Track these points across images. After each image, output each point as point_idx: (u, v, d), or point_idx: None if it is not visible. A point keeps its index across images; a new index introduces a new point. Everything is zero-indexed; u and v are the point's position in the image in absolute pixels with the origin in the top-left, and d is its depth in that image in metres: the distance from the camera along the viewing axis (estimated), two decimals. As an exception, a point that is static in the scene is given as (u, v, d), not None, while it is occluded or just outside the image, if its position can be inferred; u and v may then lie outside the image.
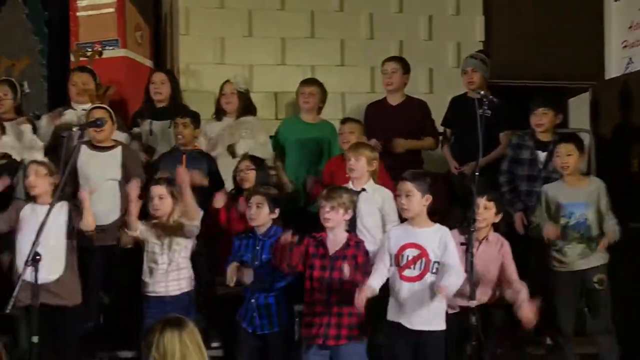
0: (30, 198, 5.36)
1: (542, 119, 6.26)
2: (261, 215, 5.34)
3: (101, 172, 5.98)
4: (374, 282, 4.79)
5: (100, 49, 7.35)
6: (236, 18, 7.68)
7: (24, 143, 6.41)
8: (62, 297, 5.19)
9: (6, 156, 6.11)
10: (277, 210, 5.39)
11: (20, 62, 7.31)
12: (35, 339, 4.37)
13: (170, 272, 5.29)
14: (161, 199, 5.27)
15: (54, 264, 5.11)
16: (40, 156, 5.88)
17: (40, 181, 5.26)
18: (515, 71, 7.90)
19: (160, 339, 3.11)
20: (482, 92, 5.45)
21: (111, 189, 5.99)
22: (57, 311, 5.13)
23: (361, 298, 4.69)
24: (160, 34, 8.25)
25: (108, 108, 6.13)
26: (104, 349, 5.91)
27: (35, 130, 6.67)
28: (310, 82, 6.98)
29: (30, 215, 5.22)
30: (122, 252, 5.86)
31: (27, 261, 4.31)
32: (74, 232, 5.30)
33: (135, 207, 5.25)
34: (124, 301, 6.05)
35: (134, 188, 5.24)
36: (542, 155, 6.26)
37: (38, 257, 4.30)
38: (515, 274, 5.21)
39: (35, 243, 4.29)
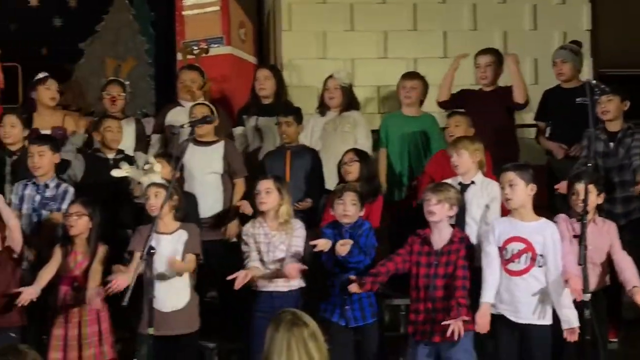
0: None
1: (607, 106, 6.08)
2: (354, 212, 5.34)
3: (204, 166, 6.09)
4: (490, 297, 4.81)
5: (205, 46, 7.48)
6: (338, 12, 7.71)
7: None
8: (186, 325, 5.20)
9: (121, 152, 6.28)
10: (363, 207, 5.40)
11: (127, 63, 7.47)
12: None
13: (278, 270, 5.30)
14: (268, 192, 5.32)
15: (178, 293, 5.17)
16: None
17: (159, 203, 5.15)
18: (623, 60, 7.67)
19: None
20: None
21: (214, 182, 6.10)
22: (179, 339, 5.17)
23: (483, 323, 4.73)
24: (263, 31, 8.35)
25: (209, 104, 6.23)
26: (213, 341, 6.01)
27: (143, 130, 6.86)
28: (412, 75, 6.93)
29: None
30: (229, 244, 5.96)
31: (142, 255, 4.42)
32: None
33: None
34: (232, 295, 6.16)
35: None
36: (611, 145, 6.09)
37: (153, 251, 4.41)
38: (625, 254, 5.08)
39: (149, 236, 4.40)
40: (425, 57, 7.67)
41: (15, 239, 5.12)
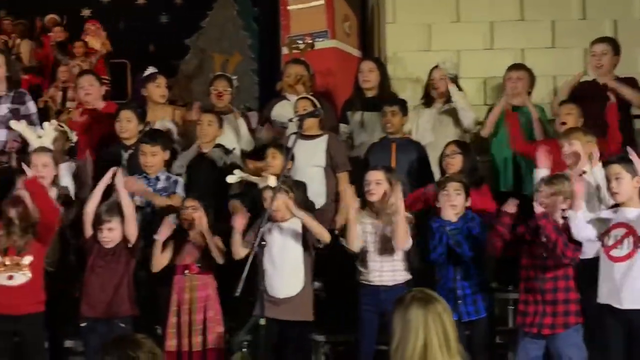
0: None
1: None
2: (460, 202, 5.30)
3: (307, 159, 6.12)
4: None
5: (311, 41, 7.52)
6: (443, 4, 7.61)
7: (242, 137, 6.71)
8: (299, 313, 5.25)
9: (220, 146, 6.37)
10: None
11: (233, 58, 7.58)
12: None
13: (385, 263, 5.32)
14: (378, 184, 5.32)
15: (292, 280, 5.24)
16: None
17: (281, 205, 5.24)
18: None
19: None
20: None
21: (317, 176, 6.13)
22: (292, 326, 5.24)
23: None
24: (367, 24, 8.33)
25: (313, 98, 6.25)
26: (322, 333, 6.05)
27: (248, 124, 6.95)
28: (517, 66, 6.83)
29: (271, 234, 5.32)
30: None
31: (254, 245, 4.49)
32: (311, 248, 5.39)
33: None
34: (338, 287, 6.20)
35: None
36: None
37: (264, 243, 4.48)
38: None
39: (261, 227, 4.46)
40: (532, 47, 7.50)
41: (130, 228, 5.27)
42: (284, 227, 5.28)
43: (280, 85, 7.08)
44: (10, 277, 5.07)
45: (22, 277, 5.08)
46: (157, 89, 6.89)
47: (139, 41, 11.88)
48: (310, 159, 6.12)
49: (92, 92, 6.83)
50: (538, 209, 4.88)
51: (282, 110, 6.78)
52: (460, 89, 6.74)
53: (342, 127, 6.84)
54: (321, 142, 6.18)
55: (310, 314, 5.34)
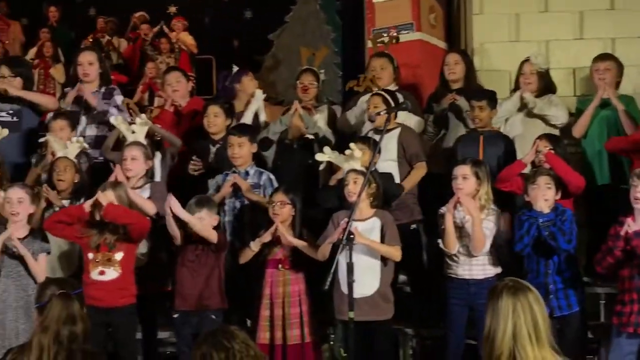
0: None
1: None
2: (551, 196, 5.20)
3: (381, 153, 6.03)
4: None
5: (395, 33, 7.48)
6: (531, -7, 7.50)
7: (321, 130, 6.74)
8: (376, 312, 5.21)
9: (303, 137, 6.42)
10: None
11: (320, 52, 7.59)
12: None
13: (474, 257, 5.26)
14: (465, 178, 5.26)
15: (369, 279, 5.18)
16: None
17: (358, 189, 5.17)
18: None
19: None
20: None
21: (391, 169, 6.06)
22: (373, 325, 5.19)
23: None
24: (453, 15, 8.24)
25: (384, 94, 6.19)
26: (410, 327, 6.03)
27: (334, 116, 6.97)
28: (604, 57, 6.66)
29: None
30: (412, 230, 5.97)
31: (341, 240, 4.49)
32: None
33: None
34: (423, 280, 6.17)
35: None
36: None
37: (352, 237, 4.47)
38: None
39: (349, 223, 4.46)
40: (623, 37, 7.32)
41: (208, 236, 5.27)
42: (363, 226, 5.23)
43: (353, 84, 7.07)
44: (102, 273, 5.19)
45: (113, 273, 5.20)
46: (252, 82, 6.99)
47: (223, 37, 12.03)
48: (384, 154, 6.04)
49: (179, 89, 6.96)
50: (632, 226, 4.75)
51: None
52: (552, 86, 6.59)
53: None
54: (393, 135, 6.11)
55: (389, 311, 5.30)
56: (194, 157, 6.20)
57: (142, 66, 11.04)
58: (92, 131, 6.60)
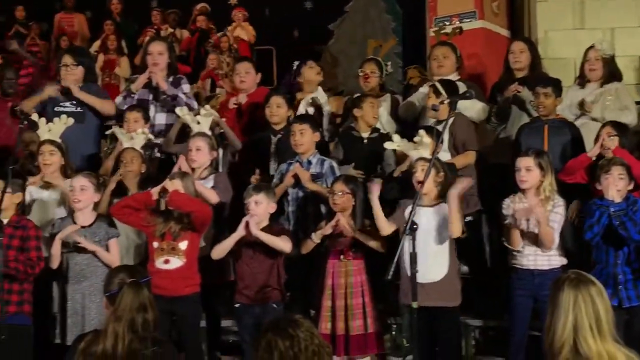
0: None
1: None
2: (623, 187, 5.11)
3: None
4: None
5: (458, 22, 7.43)
6: (596, -20, 7.38)
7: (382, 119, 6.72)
8: (443, 298, 5.16)
9: (376, 130, 6.41)
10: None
11: (387, 43, 7.58)
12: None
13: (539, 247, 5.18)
14: (528, 170, 5.19)
15: (436, 265, 5.16)
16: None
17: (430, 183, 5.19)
18: None
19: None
20: None
21: (443, 159, 6.01)
22: (439, 311, 5.16)
23: None
24: (516, 3, 8.14)
25: (437, 84, 6.14)
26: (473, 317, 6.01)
27: (397, 105, 6.94)
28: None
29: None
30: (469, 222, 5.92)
31: (404, 230, 4.47)
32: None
33: None
34: (486, 271, 6.12)
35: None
36: None
37: (415, 226, 4.45)
38: None
39: (412, 211, 4.44)
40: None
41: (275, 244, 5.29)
42: (431, 211, 5.23)
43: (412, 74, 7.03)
44: (167, 261, 5.24)
45: (177, 262, 5.25)
46: (311, 69, 7.01)
47: (283, 27, 12.05)
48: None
49: (247, 80, 6.99)
50: None
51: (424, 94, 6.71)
52: (617, 73, 6.47)
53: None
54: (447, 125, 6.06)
55: (457, 298, 5.26)
56: (257, 171, 6.19)
57: (201, 57, 11.14)
58: (161, 119, 6.67)
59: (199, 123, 6.01)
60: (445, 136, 5.97)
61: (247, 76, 6.99)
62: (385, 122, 6.73)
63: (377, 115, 6.41)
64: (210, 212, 5.39)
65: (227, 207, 5.97)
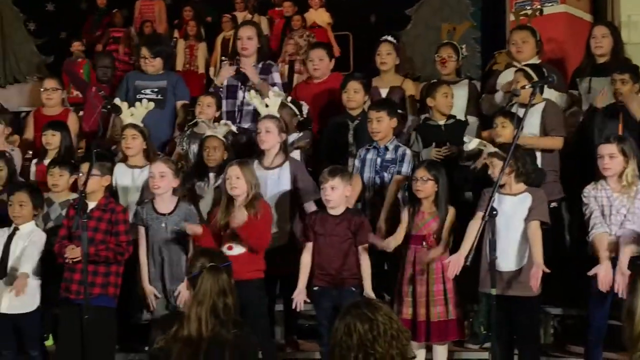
0: None
1: None
2: None
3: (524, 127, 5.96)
4: None
5: (539, 6, 7.30)
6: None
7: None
8: (523, 287, 5.08)
9: (452, 117, 6.37)
10: None
11: (461, 26, 7.49)
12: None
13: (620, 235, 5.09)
14: (611, 157, 5.08)
15: (517, 253, 5.13)
16: None
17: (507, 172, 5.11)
18: None
19: None
20: None
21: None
22: (518, 300, 5.11)
23: None
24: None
25: (526, 69, 6.03)
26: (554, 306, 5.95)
27: (475, 92, 6.88)
28: None
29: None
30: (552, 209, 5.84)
31: (483, 216, 4.45)
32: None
33: None
34: (566, 259, 6.04)
35: None
36: None
37: (495, 212, 4.42)
38: None
39: (491, 199, 4.42)
40: None
41: None
42: (514, 200, 5.18)
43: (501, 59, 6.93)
44: (230, 248, 5.28)
45: (240, 248, 5.29)
46: (377, 57, 6.96)
47: (360, 13, 12.00)
48: (526, 128, 5.91)
49: (321, 67, 7.00)
50: None
51: (508, 78, 6.62)
52: None
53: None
54: (537, 110, 5.98)
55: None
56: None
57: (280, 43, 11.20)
58: (250, 105, 6.67)
59: (267, 106, 6.03)
60: (537, 122, 5.94)
61: (320, 63, 6.99)
62: (461, 107, 6.68)
63: (451, 103, 6.36)
64: (266, 246, 5.36)
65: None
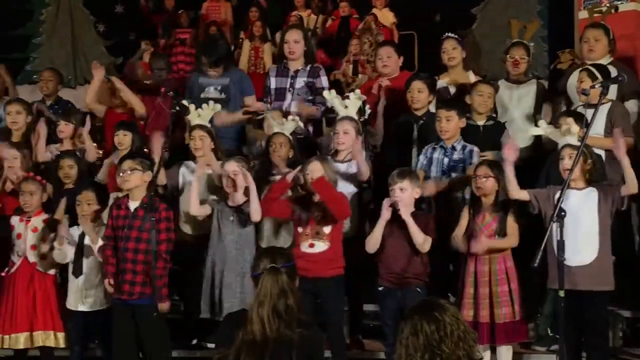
0: None
1: None
2: None
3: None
4: None
5: (614, 4, 7.16)
6: None
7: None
8: (593, 282, 5.05)
9: (492, 118, 6.33)
10: None
11: (532, 25, 7.39)
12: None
13: None
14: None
15: (586, 247, 5.08)
16: None
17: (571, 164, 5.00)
18: None
19: None
20: None
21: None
22: (588, 296, 5.06)
23: None
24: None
25: (591, 68, 5.94)
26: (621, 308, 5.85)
27: (543, 91, 6.78)
28: None
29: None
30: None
31: (551, 218, 4.39)
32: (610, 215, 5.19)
33: None
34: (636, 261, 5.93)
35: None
36: None
37: (563, 214, 4.36)
38: None
39: (560, 199, 4.36)
40: None
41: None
42: (580, 194, 5.13)
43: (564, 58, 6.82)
44: (312, 245, 5.33)
45: (322, 246, 5.33)
46: (444, 55, 6.93)
47: (425, 12, 11.94)
48: (593, 129, 5.82)
49: (390, 64, 6.99)
50: None
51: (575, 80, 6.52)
52: None
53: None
54: (603, 111, 5.89)
55: (607, 283, 5.12)
56: None
57: (342, 44, 11.18)
58: (294, 107, 6.75)
59: (346, 107, 6.05)
60: (602, 123, 5.87)
61: (389, 60, 6.98)
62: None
63: (487, 102, 6.27)
64: (347, 208, 5.40)
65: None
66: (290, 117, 6.22)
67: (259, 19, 11.52)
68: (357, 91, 6.34)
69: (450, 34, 6.94)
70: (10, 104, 7.08)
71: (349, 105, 6.05)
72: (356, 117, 6.02)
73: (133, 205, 5.36)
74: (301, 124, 6.32)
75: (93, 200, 5.61)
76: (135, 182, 5.34)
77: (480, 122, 6.26)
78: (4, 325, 5.65)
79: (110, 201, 5.77)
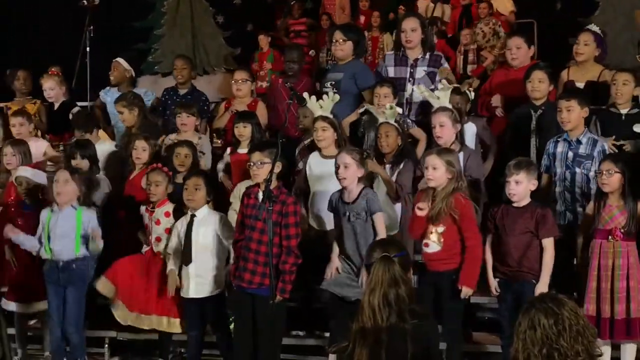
0: None
1: None
2: None
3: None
4: None
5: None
6: None
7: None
8: None
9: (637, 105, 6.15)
10: None
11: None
12: None
13: None
14: None
15: None
16: None
17: None
18: None
19: None
20: None
21: None
22: None
23: None
24: None
25: None
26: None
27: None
28: None
29: None
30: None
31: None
32: None
33: None
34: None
35: None
36: None
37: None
38: None
39: None
40: None
41: None
42: None
43: None
44: (426, 245, 5.26)
45: (435, 246, 5.22)
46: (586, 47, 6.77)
47: (546, 0, 11.69)
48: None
49: (519, 56, 6.89)
50: None
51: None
52: None
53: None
54: None
55: None
56: None
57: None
58: (417, 97, 6.67)
59: (438, 98, 5.97)
60: None
61: (518, 52, 6.87)
62: None
63: (630, 92, 6.09)
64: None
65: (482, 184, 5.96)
66: (388, 105, 6.14)
67: (370, 8, 11.47)
68: (444, 81, 6.24)
69: (589, 27, 6.81)
70: (117, 103, 7.29)
71: (441, 96, 5.95)
72: (450, 106, 5.91)
73: (261, 196, 5.28)
74: (400, 110, 6.22)
75: (201, 185, 5.67)
76: (265, 174, 5.27)
77: (624, 111, 6.13)
78: (139, 306, 5.86)
79: (242, 190, 5.83)
